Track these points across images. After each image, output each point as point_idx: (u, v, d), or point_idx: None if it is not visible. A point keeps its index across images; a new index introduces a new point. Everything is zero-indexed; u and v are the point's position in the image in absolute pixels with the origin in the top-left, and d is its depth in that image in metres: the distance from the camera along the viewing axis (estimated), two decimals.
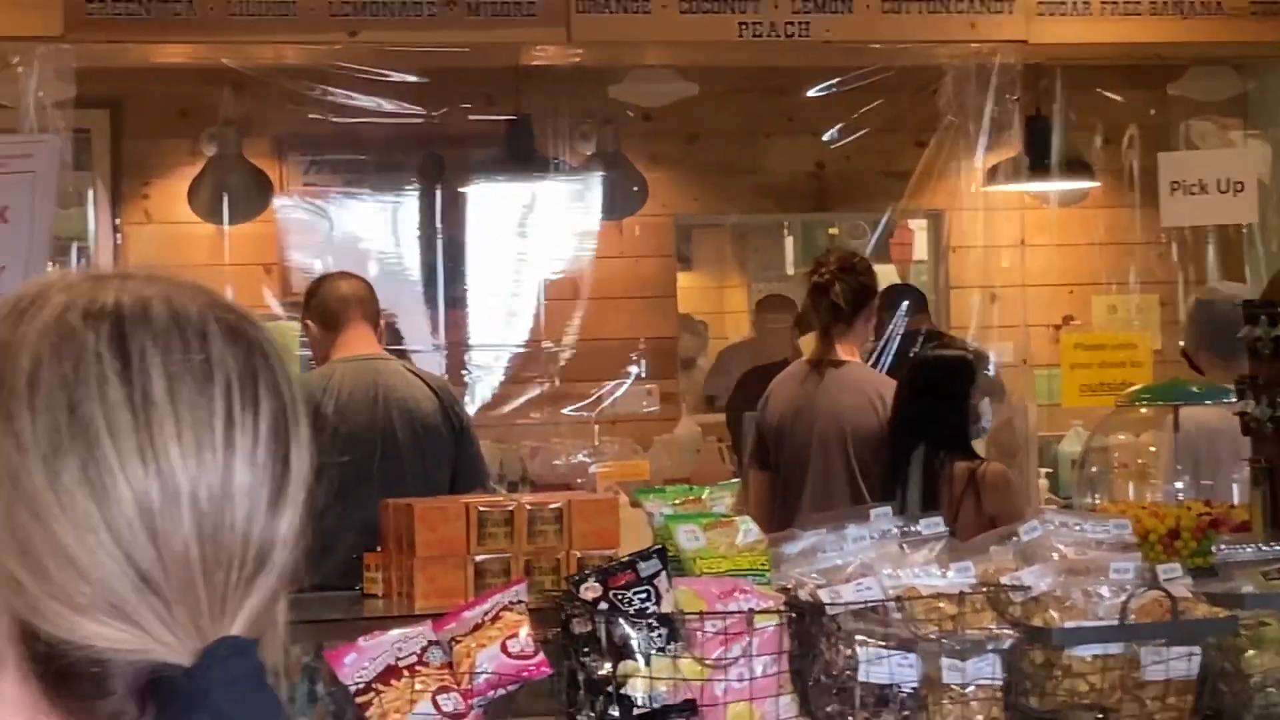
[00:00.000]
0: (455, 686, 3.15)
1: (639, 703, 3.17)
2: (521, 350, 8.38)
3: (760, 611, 3.25)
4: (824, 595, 3.29)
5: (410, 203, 8.44)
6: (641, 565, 3.33)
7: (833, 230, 10.87)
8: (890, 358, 6.91)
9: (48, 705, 1.13)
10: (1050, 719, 3.40)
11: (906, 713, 3.25)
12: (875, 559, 3.39)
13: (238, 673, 1.10)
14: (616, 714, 3.16)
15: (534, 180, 8.17)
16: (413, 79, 7.13)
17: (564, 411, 8.23)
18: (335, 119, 7.43)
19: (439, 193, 8.33)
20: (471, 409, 7.34)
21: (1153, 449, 5.70)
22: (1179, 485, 5.34)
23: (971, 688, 3.28)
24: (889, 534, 3.52)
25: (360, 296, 5.94)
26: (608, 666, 3.19)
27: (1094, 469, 5.86)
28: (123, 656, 1.10)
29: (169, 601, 1.10)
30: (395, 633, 3.27)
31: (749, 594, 3.28)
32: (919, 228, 10.02)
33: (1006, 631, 3.33)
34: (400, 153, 8.23)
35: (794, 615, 3.31)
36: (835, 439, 6.02)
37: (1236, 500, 4.93)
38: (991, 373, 6.56)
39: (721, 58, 7.52)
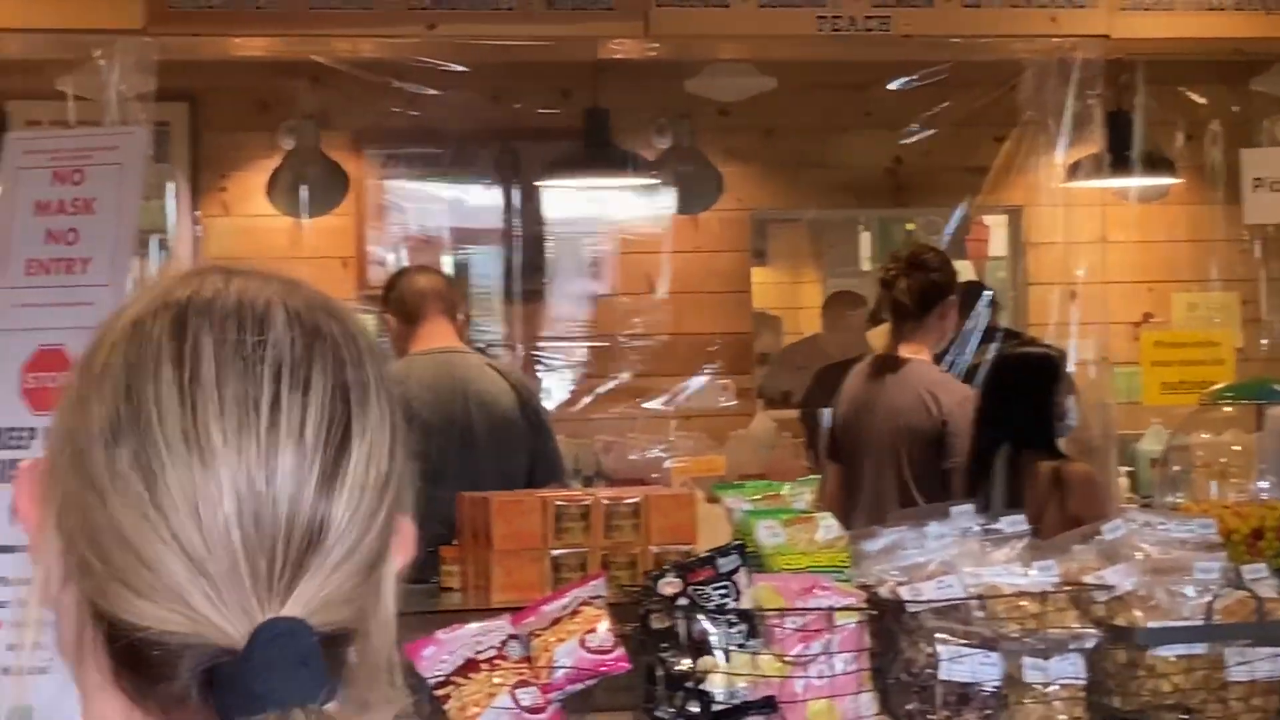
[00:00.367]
0: (534, 680, 3.15)
1: (718, 699, 3.15)
2: (597, 345, 8.37)
3: (841, 608, 3.23)
4: (905, 593, 3.27)
5: (486, 196, 8.46)
6: (721, 561, 3.31)
7: (910, 226, 10.81)
8: (966, 356, 6.85)
9: (121, 686, 1.15)
10: None
11: (988, 712, 3.23)
12: (957, 557, 3.37)
13: (284, 654, 1.10)
14: (695, 710, 3.15)
15: (610, 174, 8.15)
16: (490, 73, 7.14)
17: (640, 406, 8.22)
18: (413, 112, 7.45)
19: (515, 187, 8.35)
20: (547, 404, 7.34)
21: (1236, 448, 5.63)
22: (1263, 485, 5.27)
23: (1054, 687, 3.26)
24: (971, 532, 3.49)
25: (438, 290, 5.96)
26: (687, 662, 3.17)
27: (1176, 468, 5.80)
28: (179, 640, 1.11)
29: (217, 584, 1.11)
30: (474, 626, 3.26)
31: (829, 591, 3.27)
32: (996, 224, 9.95)
33: (1090, 631, 3.30)
34: (477, 146, 8.24)
35: (874, 612, 3.29)
36: (888, 437, 5.98)
37: None
38: (1071, 370, 6.50)
39: (799, 52, 7.48)
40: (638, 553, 4.53)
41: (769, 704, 3.16)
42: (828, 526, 3.53)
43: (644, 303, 8.35)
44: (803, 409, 8.49)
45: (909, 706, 3.24)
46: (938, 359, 6.30)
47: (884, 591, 3.31)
